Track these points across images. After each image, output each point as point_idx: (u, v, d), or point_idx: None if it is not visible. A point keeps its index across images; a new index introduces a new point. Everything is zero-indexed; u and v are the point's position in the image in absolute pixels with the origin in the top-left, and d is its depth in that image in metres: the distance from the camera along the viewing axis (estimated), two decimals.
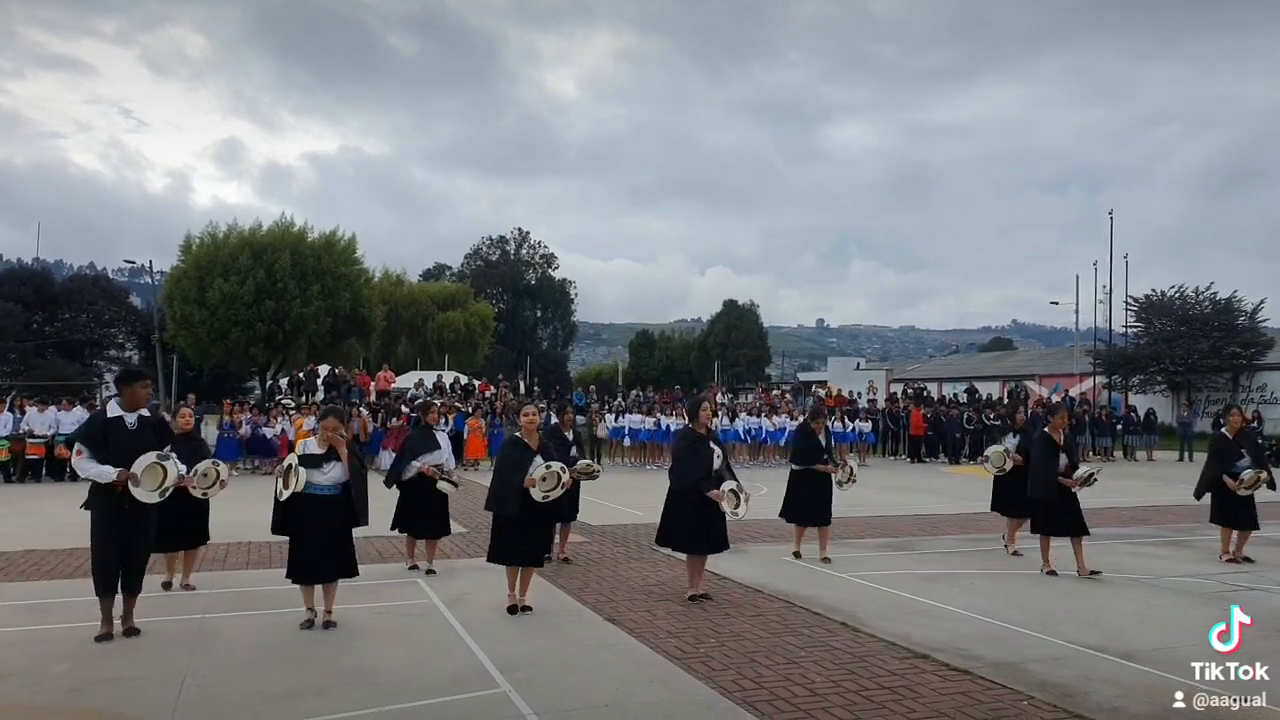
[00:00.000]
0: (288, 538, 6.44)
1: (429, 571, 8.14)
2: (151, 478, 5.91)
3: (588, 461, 9.05)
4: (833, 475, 9.34)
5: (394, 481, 8.23)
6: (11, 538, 9.97)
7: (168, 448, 6.16)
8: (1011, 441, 9.99)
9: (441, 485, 8.08)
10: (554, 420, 10.01)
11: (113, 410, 6.10)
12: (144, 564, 6.13)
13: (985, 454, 9.56)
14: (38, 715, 4.74)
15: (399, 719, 4.67)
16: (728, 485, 7.27)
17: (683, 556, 7.75)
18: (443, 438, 8.45)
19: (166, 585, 7.31)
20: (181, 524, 7.09)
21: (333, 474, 6.31)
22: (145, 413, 6.14)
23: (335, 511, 6.33)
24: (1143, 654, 5.91)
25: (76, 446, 6.02)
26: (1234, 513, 9.31)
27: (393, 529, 8.29)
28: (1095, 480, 8.81)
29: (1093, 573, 8.45)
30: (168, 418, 7.27)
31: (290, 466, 6.23)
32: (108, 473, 5.81)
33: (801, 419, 10.25)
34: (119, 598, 6.04)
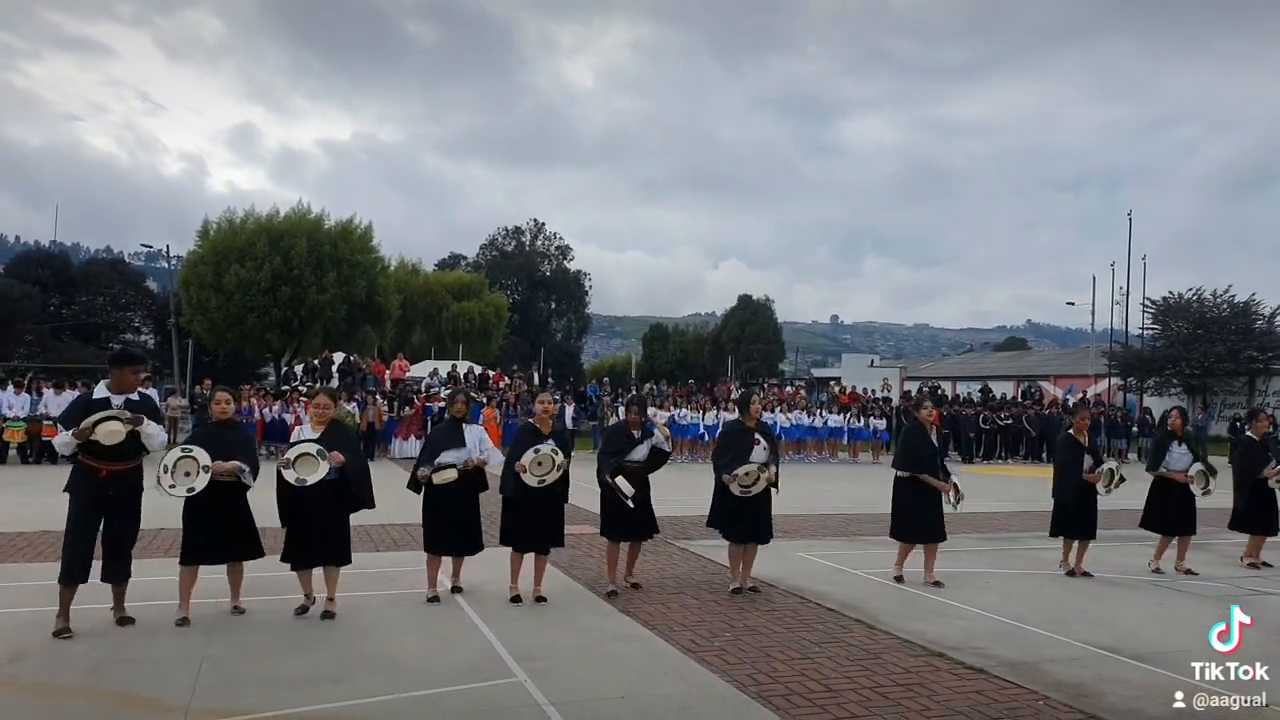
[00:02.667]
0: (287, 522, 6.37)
1: (455, 589, 7.07)
2: (109, 437, 5.67)
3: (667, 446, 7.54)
4: (944, 493, 7.91)
5: (415, 484, 7.09)
6: (29, 519, 10.06)
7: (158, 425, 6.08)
8: (1180, 451, 8.88)
9: (436, 476, 6.79)
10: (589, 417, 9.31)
11: (99, 392, 5.94)
12: (129, 550, 5.95)
13: (1190, 474, 8.62)
14: (58, 696, 4.79)
15: (416, 706, 4.69)
16: (742, 468, 7.19)
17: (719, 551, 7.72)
18: (473, 433, 7.12)
19: (183, 622, 6.06)
20: (234, 531, 6.25)
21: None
22: (134, 396, 5.99)
23: (332, 494, 6.30)
24: (1157, 656, 5.89)
25: (58, 427, 5.98)
26: (1256, 516, 9.25)
27: (426, 548, 7.09)
28: (1124, 480, 8.68)
29: (1085, 573, 8.47)
30: (176, 400, 7.18)
31: (297, 457, 6.19)
32: (68, 439, 5.64)
33: (912, 414, 8.48)
34: (108, 589, 5.94)
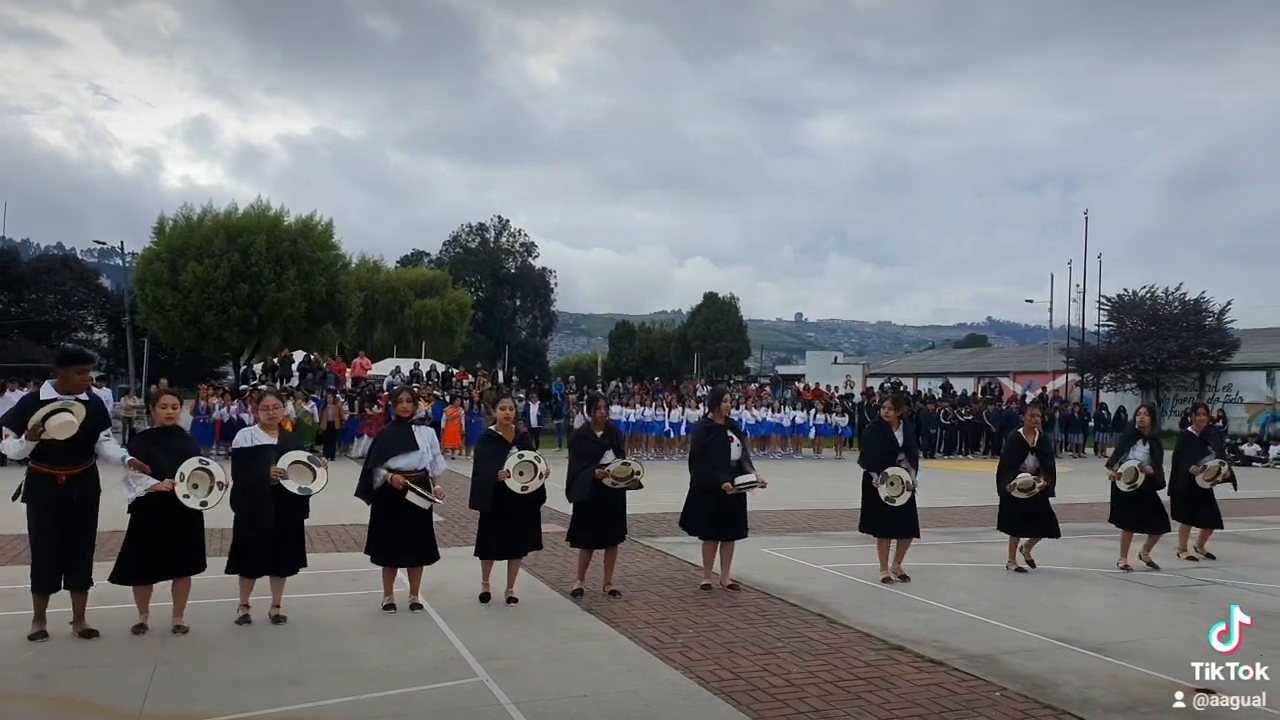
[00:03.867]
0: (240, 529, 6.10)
1: (414, 606, 6.54)
2: (62, 429, 5.48)
3: (624, 462, 7.12)
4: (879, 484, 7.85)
5: (365, 494, 6.59)
6: None
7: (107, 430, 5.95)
8: (1142, 450, 8.98)
9: (411, 497, 6.41)
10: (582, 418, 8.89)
11: (46, 393, 5.75)
12: (90, 557, 5.80)
13: (1118, 470, 8.84)
14: (3, 702, 4.66)
15: (378, 707, 4.63)
16: (743, 480, 7.30)
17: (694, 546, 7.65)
18: (424, 435, 6.74)
19: (140, 628, 5.86)
20: (181, 544, 5.89)
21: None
22: (84, 397, 5.83)
23: (291, 502, 6.10)
24: (1111, 646, 6.01)
25: (4, 431, 5.69)
26: (1193, 509, 9.43)
27: (366, 553, 6.71)
28: (1051, 494, 8.54)
29: (1027, 564, 8.58)
30: (130, 400, 6.94)
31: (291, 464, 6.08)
32: (20, 445, 5.46)
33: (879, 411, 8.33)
34: (62, 595, 5.73)
